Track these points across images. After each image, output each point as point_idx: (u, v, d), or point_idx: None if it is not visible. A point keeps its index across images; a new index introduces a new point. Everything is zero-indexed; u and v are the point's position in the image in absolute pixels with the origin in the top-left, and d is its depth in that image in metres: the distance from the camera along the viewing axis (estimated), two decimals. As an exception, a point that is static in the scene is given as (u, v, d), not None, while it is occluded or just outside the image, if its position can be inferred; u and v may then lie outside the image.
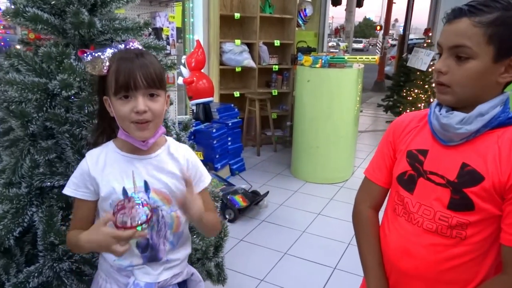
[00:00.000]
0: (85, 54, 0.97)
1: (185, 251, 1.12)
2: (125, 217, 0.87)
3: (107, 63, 0.96)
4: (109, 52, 0.97)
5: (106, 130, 1.08)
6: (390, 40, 13.30)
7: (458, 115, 0.87)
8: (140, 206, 0.89)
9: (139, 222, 0.88)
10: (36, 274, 1.24)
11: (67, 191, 1.02)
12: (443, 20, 0.90)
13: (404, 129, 1.04)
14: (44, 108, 1.30)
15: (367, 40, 35.93)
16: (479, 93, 0.87)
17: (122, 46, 1.00)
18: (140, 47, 1.03)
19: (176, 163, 1.07)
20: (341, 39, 9.56)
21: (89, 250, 1.02)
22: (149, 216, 0.90)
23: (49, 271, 1.26)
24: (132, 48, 1.00)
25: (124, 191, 0.99)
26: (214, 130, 3.76)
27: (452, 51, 0.85)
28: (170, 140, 1.11)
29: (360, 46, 31.45)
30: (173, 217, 1.04)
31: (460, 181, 0.88)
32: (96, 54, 0.96)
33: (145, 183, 1.01)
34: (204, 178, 1.13)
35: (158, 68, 0.97)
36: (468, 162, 0.88)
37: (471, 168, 0.87)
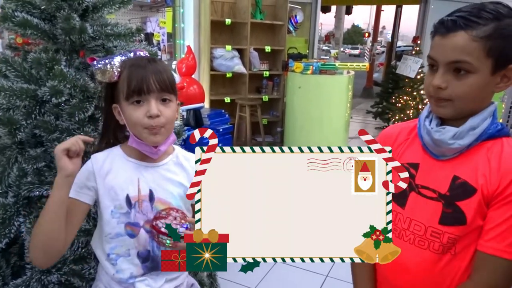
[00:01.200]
0: (95, 61, 0.96)
1: None
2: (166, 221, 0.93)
3: (118, 70, 0.95)
4: (118, 59, 0.96)
5: (110, 139, 1.06)
6: (379, 47, 13.49)
7: (450, 130, 0.86)
8: (179, 226, 0.93)
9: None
10: (23, 287, 1.19)
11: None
12: (432, 33, 0.88)
13: (394, 141, 1.02)
14: (33, 115, 1.26)
15: (362, 46, 36.73)
16: (477, 105, 0.87)
17: (131, 55, 0.99)
18: (148, 55, 1.02)
19: (185, 173, 1.06)
20: (331, 45, 9.64)
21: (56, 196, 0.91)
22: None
23: (36, 284, 1.21)
24: (142, 55, 1.00)
25: (128, 199, 0.97)
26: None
27: (450, 66, 0.83)
28: (178, 149, 1.10)
29: (356, 52, 33.06)
30: None
31: (452, 194, 0.88)
32: (106, 61, 0.95)
33: (150, 191, 0.99)
34: None
35: (170, 74, 0.97)
36: (459, 174, 0.88)
37: (462, 180, 0.87)
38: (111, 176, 0.98)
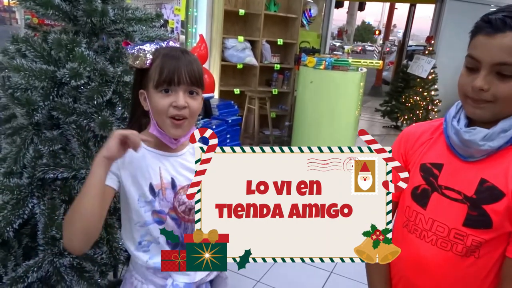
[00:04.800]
0: (130, 46, 0.97)
1: None
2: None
3: (150, 57, 0.96)
4: (152, 47, 0.97)
5: (135, 125, 1.05)
6: (390, 45, 13.38)
7: (481, 131, 0.84)
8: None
9: None
10: (35, 269, 1.19)
11: None
12: (473, 32, 0.84)
13: (416, 140, 1.00)
14: (51, 97, 1.25)
15: (370, 44, 36.70)
16: None
17: (163, 44, 1.00)
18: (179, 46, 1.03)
19: None
20: (343, 41, 9.57)
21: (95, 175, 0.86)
22: None
23: (48, 266, 1.22)
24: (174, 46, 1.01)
25: (151, 187, 0.97)
26: (213, 127, 3.72)
27: (495, 68, 0.80)
28: None
29: (372, 48, 33.78)
30: None
31: (479, 197, 0.86)
32: (140, 47, 0.96)
33: (172, 180, 1.00)
34: None
35: (200, 68, 0.98)
36: (487, 178, 0.85)
37: (490, 184, 0.85)
38: (134, 165, 0.98)
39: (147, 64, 0.96)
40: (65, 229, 0.88)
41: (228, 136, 3.99)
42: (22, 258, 1.28)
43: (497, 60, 0.79)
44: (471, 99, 0.85)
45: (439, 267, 0.91)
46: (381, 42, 13.03)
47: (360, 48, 33.30)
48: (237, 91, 4.70)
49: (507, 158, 0.85)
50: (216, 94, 4.49)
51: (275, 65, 4.90)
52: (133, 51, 0.95)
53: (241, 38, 4.51)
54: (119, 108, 1.32)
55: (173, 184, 1.00)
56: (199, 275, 1.04)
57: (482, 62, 0.82)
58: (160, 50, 0.97)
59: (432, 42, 5.96)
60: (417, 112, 5.78)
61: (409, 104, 5.91)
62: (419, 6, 9.86)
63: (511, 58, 0.78)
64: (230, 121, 4.01)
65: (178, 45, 1.03)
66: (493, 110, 0.84)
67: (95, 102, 1.25)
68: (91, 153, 1.28)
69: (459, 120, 0.90)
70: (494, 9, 0.83)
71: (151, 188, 0.97)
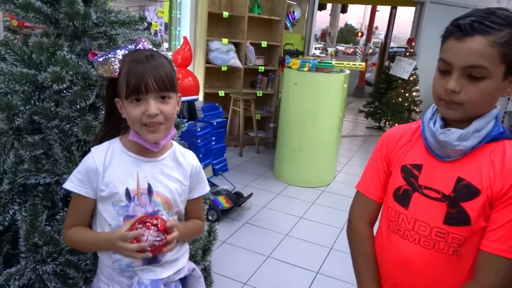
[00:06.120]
0: (96, 56, 0.95)
1: (183, 248, 1.12)
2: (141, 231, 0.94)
3: (118, 65, 0.94)
4: (120, 53, 0.95)
5: (110, 132, 1.06)
6: (373, 47, 13.55)
7: (455, 132, 0.88)
8: (156, 232, 0.94)
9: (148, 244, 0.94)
10: (17, 277, 1.17)
11: (70, 186, 0.99)
12: (443, 36, 0.87)
13: (397, 142, 1.03)
14: (32, 101, 1.23)
15: (353, 45, 36.89)
16: (485, 109, 0.88)
17: (132, 47, 0.98)
18: (150, 46, 1.01)
19: (181, 169, 1.07)
20: (327, 43, 9.67)
21: (100, 250, 1.04)
22: (158, 244, 0.95)
23: (31, 273, 1.19)
24: (142, 48, 0.98)
25: (127, 192, 0.98)
26: (198, 129, 3.70)
27: (466, 70, 0.83)
28: (176, 144, 1.11)
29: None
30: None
31: (456, 195, 0.89)
32: (108, 56, 0.94)
33: (149, 185, 1.00)
34: (203, 186, 1.15)
35: (169, 70, 0.96)
36: (463, 176, 0.89)
37: (466, 182, 0.88)
38: (111, 171, 0.99)
39: (116, 74, 0.95)
40: (69, 243, 1.08)
41: (213, 138, 3.98)
42: (3, 266, 1.25)
43: (467, 63, 0.83)
44: (444, 101, 0.88)
45: (422, 265, 0.93)
46: (363, 43, 13.20)
47: (352, 50, 33.36)
48: (221, 93, 4.69)
49: (481, 156, 0.89)
50: (200, 97, 4.47)
51: (260, 67, 4.91)
52: (100, 61, 0.94)
53: (225, 40, 4.51)
54: (103, 112, 1.30)
55: (149, 190, 1.00)
56: (166, 272, 1.04)
57: (453, 65, 0.85)
58: (127, 56, 0.95)
59: (413, 44, 6.08)
60: (400, 112, 5.87)
61: (392, 105, 6.00)
62: (400, 9, 10.04)
63: (480, 61, 0.81)
64: (215, 124, 4.00)
65: (149, 45, 1.00)
66: (464, 111, 0.87)
67: (78, 106, 1.23)
68: (73, 158, 1.26)
69: (435, 122, 0.93)
70: (463, 14, 0.86)
71: (127, 193, 0.98)
